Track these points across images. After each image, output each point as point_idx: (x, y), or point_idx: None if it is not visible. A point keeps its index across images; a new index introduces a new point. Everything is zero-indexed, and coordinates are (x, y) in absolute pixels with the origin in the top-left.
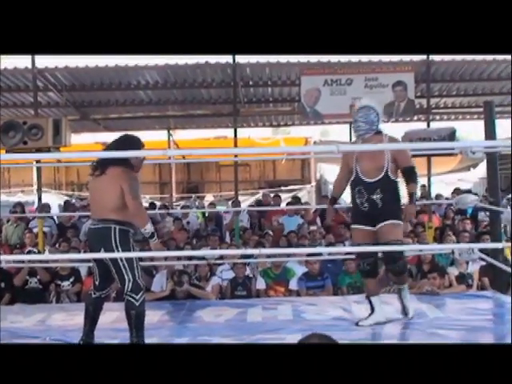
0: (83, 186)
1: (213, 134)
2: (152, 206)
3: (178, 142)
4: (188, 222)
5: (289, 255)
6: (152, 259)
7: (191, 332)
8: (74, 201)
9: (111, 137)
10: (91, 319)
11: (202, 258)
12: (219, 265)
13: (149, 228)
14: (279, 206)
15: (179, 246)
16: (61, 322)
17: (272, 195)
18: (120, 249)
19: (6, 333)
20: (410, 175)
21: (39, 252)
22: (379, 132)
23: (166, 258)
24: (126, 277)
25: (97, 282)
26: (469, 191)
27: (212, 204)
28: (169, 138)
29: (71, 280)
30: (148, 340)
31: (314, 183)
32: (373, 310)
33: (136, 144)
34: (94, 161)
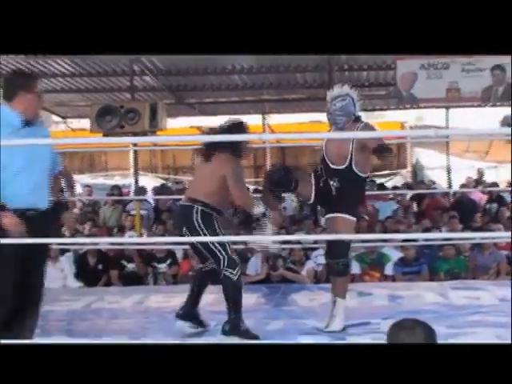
0: (179, 169)
1: (307, 118)
2: None
3: (273, 127)
4: (284, 208)
5: (384, 241)
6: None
7: (286, 315)
8: (170, 184)
9: (206, 121)
10: (192, 292)
11: (297, 242)
12: (314, 249)
13: (257, 211)
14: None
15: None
16: (157, 304)
17: None
18: (203, 228)
19: (103, 313)
20: (381, 151)
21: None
22: (357, 118)
23: None
24: (219, 255)
25: (198, 257)
26: None
27: None
28: (263, 123)
29: (168, 262)
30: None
31: (409, 168)
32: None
33: (243, 129)
34: (202, 145)
